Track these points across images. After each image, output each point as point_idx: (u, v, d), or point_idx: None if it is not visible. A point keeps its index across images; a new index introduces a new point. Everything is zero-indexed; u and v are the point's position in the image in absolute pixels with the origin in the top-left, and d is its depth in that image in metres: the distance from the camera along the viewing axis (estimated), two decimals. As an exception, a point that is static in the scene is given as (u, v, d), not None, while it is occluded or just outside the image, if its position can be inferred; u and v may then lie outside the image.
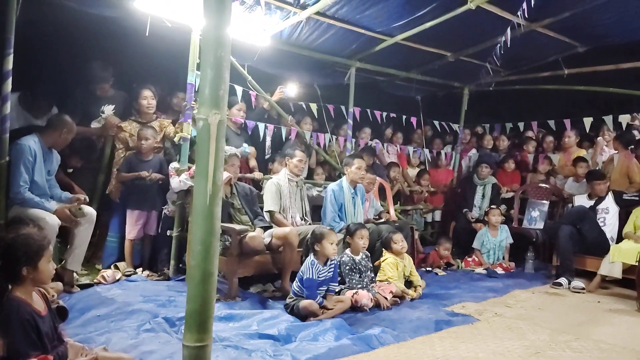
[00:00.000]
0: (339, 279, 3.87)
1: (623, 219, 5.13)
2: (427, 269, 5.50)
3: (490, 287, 4.79)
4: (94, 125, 4.73)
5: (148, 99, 4.74)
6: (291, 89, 5.89)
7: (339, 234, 4.31)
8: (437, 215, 7.11)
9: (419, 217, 6.92)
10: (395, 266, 4.27)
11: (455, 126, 7.48)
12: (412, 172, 7.10)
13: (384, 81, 6.92)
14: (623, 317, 3.91)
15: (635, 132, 6.31)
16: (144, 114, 4.77)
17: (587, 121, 6.35)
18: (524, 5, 4.19)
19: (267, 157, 5.77)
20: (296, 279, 3.67)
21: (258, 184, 5.10)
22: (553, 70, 6.37)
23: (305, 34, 5.08)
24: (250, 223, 4.25)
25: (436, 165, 7.36)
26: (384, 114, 6.62)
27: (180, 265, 4.45)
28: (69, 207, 3.74)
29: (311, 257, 3.63)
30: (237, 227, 3.96)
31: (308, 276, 3.55)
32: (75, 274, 3.94)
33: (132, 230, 4.52)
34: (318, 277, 3.58)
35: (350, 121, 6.13)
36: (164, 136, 4.83)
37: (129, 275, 4.34)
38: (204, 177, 1.93)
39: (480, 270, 5.60)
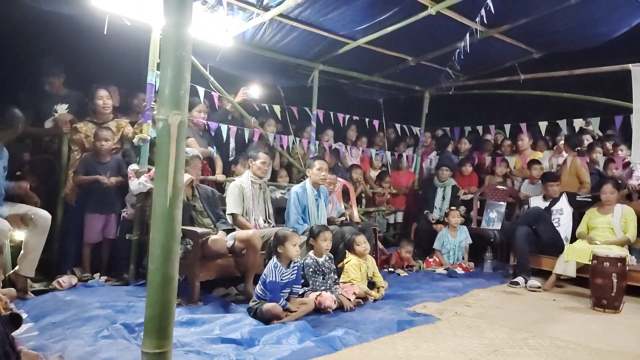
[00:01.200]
0: (302, 281, 3.86)
1: (577, 220, 5.32)
2: (390, 269, 5.57)
3: (450, 286, 4.88)
4: (48, 125, 4.57)
5: (104, 98, 4.62)
6: (254, 91, 5.87)
7: (302, 236, 4.32)
8: (399, 217, 7.21)
9: (382, 219, 6.99)
10: (359, 267, 4.30)
11: (416, 129, 7.62)
12: (375, 174, 7.17)
13: (347, 84, 6.98)
14: (577, 315, 4.05)
15: (588, 137, 6.57)
16: (100, 114, 4.64)
17: (542, 125, 6.58)
18: (483, 12, 4.31)
19: (231, 159, 5.71)
20: (259, 282, 3.64)
21: (221, 186, 5.04)
22: (510, 76, 6.59)
23: (268, 36, 5.06)
24: (212, 226, 4.20)
25: (397, 168, 7.46)
26: (347, 116, 6.68)
27: (140, 269, 4.35)
28: (21, 216, 3.60)
29: (274, 259, 3.61)
30: (199, 230, 3.90)
31: (271, 279, 3.53)
32: (29, 280, 3.79)
33: (90, 234, 4.40)
34: (281, 279, 3.56)
35: (314, 123, 6.16)
36: (122, 137, 4.72)
37: (86, 281, 4.22)
38: (164, 179, 1.89)
39: (440, 270, 5.70)
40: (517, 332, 3.44)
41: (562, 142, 6.41)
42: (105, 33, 4.00)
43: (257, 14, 4.59)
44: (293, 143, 5.98)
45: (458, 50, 4.93)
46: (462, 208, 6.34)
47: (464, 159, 7.01)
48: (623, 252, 4.54)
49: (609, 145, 6.35)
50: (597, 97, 6.06)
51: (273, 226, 4.60)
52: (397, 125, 7.54)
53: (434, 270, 5.70)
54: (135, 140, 4.41)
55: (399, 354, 2.93)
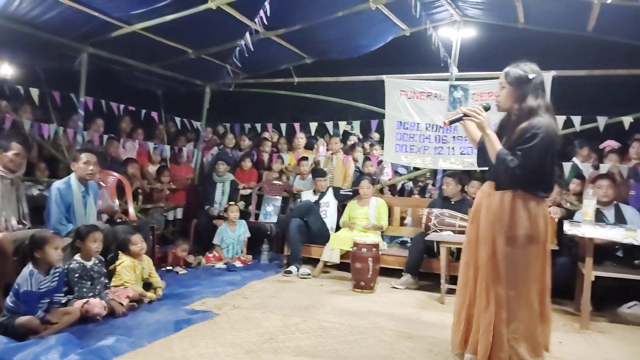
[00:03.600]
0: (66, 288, 3.46)
1: (340, 211, 5.96)
2: (168, 268, 5.38)
3: (229, 280, 4.94)
4: None
5: None
6: (6, 70, 5.01)
7: (66, 238, 3.87)
8: (179, 213, 7.02)
9: (160, 216, 6.70)
10: (133, 269, 4.05)
11: (197, 124, 7.53)
12: (153, 168, 6.83)
13: (122, 71, 6.48)
14: (341, 297, 4.51)
15: (354, 138, 7.40)
16: None
17: (313, 125, 7.20)
18: (261, 13, 4.47)
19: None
20: (10, 293, 3.13)
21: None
22: (286, 77, 7.04)
23: (25, 8, 4.40)
24: (-56, 230, 3.45)
25: (176, 162, 7.26)
26: (122, 106, 6.21)
27: None
28: None
29: (30, 266, 3.15)
30: None
31: (26, 288, 3.07)
32: None
33: None
34: (39, 288, 3.13)
35: (82, 112, 5.56)
36: None
37: None
38: None
39: (220, 265, 5.74)
40: (290, 319, 3.69)
41: (321, 140, 7.10)
42: None
43: (8, -19, 3.93)
44: (56, 133, 5.30)
45: (238, 47, 5.01)
46: (242, 203, 6.49)
47: (244, 154, 7.18)
48: (377, 238, 5.25)
49: (366, 145, 7.25)
50: (358, 103, 6.87)
51: (29, 228, 4.00)
52: (178, 119, 7.34)
53: (214, 266, 5.71)
54: None
55: (175, 356, 2.86)
